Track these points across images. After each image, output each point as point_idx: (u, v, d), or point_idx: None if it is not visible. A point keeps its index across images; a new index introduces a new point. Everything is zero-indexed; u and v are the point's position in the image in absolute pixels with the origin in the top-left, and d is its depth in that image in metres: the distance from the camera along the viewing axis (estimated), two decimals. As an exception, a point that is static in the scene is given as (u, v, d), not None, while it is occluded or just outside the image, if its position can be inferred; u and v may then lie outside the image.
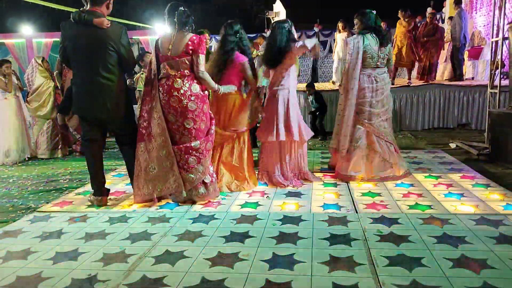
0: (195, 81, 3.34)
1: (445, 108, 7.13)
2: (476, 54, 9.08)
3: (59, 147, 6.19)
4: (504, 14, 5.33)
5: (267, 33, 14.46)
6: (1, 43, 12.89)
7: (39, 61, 6.01)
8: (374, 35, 3.93)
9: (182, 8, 3.30)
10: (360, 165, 3.97)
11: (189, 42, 3.24)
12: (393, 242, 2.55)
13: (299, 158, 4.04)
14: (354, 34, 4.15)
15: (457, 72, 8.60)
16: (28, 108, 6.09)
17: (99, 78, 3.27)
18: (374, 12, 4.01)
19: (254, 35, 15.95)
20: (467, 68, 9.44)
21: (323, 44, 15.66)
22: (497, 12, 5.44)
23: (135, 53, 16.69)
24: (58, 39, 14.15)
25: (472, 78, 8.95)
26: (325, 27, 15.36)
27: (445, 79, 9.69)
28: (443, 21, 11.29)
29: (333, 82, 8.83)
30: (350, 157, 3.99)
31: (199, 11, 19.01)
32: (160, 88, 3.33)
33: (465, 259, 2.28)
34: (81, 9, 3.33)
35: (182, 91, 3.27)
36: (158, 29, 13.74)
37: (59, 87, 6.30)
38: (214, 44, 16.22)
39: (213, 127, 3.50)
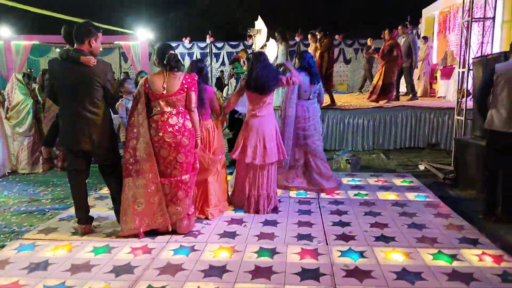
0: (187, 117, 3.56)
1: (416, 128, 7.49)
2: (448, 73, 9.51)
3: (40, 162, 6.26)
4: (470, 46, 5.71)
5: (248, 41, 14.72)
6: (-22, 46, 12.68)
7: (19, 77, 6.04)
8: (307, 73, 4.79)
9: (172, 52, 3.50)
10: (295, 178, 4.98)
11: (184, 81, 3.50)
12: (357, 278, 2.81)
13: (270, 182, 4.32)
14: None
15: (410, 92, 8.99)
16: (7, 123, 6.13)
17: (86, 113, 3.43)
18: (310, 54, 5.08)
19: (236, 43, 16.24)
20: (440, 87, 9.88)
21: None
22: (464, 43, 5.81)
23: (116, 57, 16.68)
24: (37, 42, 13.96)
25: (444, 97, 9.39)
26: (306, 36, 15.70)
27: (418, 96, 10.14)
28: (418, 37, 11.74)
29: None
30: (289, 171, 4.98)
31: (182, 16, 19.08)
32: (153, 124, 3.48)
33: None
34: (66, 47, 3.50)
35: (177, 127, 3.47)
36: (140, 35, 13.82)
37: (41, 102, 6.35)
38: (196, 51, 16.44)
39: (197, 162, 3.71)
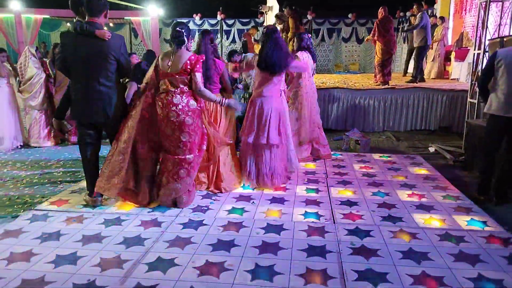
0: (192, 97, 3.56)
1: (427, 110, 7.39)
2: (462, 55, 9.31)
3: (52, 135, 6.34)
4: (486, 27, 5.56)
5: (260, 19, 14.49)
6: (-11, 19, 12.63)
7: (33, 51, 6.06)
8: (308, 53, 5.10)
9: (178, 29, 3.47)
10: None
11: (188, 62, 3.47)
12: (364, 255, 2.84)
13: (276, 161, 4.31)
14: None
15: (414, 74, 8.70)
16: (20, 97, 6.18)
17: (99, 86, 3.45)
18: (308, 35, 5.27)
19: (247, 20, 16.00)
20: (453, 69, 9.69)
21: (316, 32, 15.82)
22: (480, 24, 5.66)
23: (127, 33, 16.57)
24: (48, 16, 13.90)
25: (457, 79, 9.22)
26: (319, 15, 15.42)
27: (432, 78, 9.98)
28: (436, 17, 11.41)
29: None
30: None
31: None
32: (159, 102, 3.52)
33: (425, 277, 2.57)
34: (75, 19, 3.48)
35: (180, 107, 3.49)
36: (150, 11, 13.66)
37: (52, 76, 6.38)
38: (206, 28, 16.23)
39: (205, 143, 3.73)
